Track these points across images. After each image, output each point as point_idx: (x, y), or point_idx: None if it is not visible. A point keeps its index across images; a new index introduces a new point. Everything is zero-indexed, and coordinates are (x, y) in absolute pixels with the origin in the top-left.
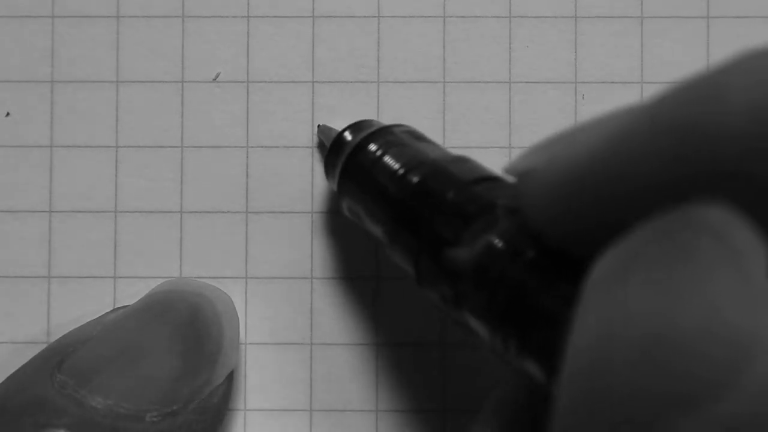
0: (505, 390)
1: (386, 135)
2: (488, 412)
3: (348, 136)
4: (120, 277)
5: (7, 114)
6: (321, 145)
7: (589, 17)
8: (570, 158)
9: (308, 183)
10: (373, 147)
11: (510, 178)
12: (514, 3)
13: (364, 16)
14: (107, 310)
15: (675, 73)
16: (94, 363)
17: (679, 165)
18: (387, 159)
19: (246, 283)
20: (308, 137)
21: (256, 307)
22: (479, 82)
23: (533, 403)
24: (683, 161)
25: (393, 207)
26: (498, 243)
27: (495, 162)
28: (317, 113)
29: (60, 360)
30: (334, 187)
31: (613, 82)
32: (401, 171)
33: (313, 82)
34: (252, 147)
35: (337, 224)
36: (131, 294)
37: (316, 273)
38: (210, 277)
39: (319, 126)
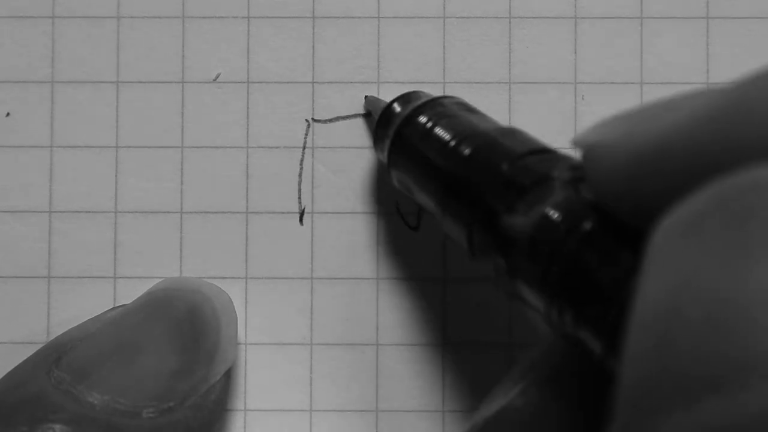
0: (543, 352)
1: (436, 107)
2: (523, 369)
3: (397, 107)
4: (120, 277)
5: (8, 114)
6: (367, 116)
7: (589, 17)
8: (652, 133)
9: (308, 183)
10: (423, 119)
11: (563, 151)
12: (514, 3)
13: (364, 17)
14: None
15: (675, 73)
16: (91, 359)
17: None
18: (437, 131)
19: (246, 283)
20: (309, 137)
21: (256, 307)
22: (479, 82)
23: (579, 371)
24: None
25: (445, 178)
26: (554, 214)
27: None
28: (317, 113)
29: (57, 357)
30: (383, 159)
31: (613, 83)
32: (452, 143)
33: (313, 82)
34: (252, 147)
35: (337, 224)
36: (131, 294)
37: (316, 273)
38: (210, 277)
39: (366, 97)
